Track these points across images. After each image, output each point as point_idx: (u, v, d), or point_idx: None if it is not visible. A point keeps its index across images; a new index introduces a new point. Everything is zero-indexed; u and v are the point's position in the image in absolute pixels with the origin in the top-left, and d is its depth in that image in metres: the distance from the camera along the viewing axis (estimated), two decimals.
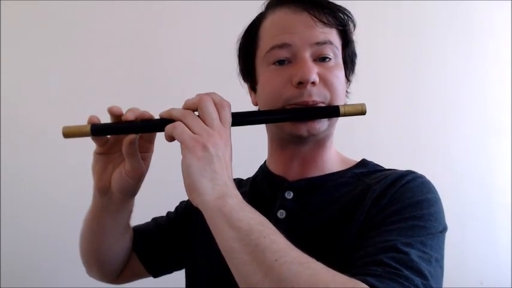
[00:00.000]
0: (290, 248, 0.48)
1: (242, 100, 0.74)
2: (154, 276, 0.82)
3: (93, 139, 0.62)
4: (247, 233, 0.48)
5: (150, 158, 0.66)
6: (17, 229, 1.42)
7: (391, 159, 0.75)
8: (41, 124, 1.44)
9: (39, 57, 1.48)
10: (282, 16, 0.66)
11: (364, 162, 0.72)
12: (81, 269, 0.78)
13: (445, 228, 0.59)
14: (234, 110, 0.60)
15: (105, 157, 0.64)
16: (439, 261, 0.54)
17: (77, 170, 0.85)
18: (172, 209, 0.85)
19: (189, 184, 0.52)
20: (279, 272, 0.44)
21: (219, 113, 0.56)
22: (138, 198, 0.69)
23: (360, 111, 0.63)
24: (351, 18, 0.69)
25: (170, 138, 0.55)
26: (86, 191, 0.69)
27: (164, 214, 0.85)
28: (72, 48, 1.49)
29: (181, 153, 0.53)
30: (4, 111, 1.46)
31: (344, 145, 0.76)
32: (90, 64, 1.49)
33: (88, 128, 0.59)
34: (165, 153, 0.72)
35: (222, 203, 0.50)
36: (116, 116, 0.60)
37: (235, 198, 0.52)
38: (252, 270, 0.46)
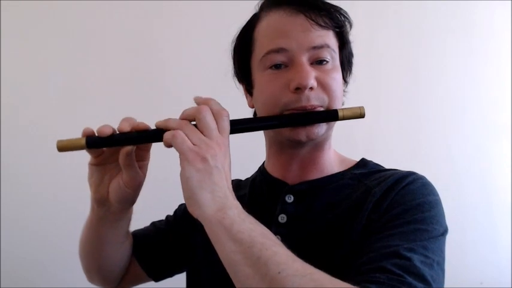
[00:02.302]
0: (293, 259, 0.47)
1: (242, 100, 0.74)
2: (156, 280, 0.81)
3: (88, 151, 0.60)
4: (249, 245, 0.47)
5: (147, 166, 0.65)
6: (17, 229, 1.42)
7: (390, 159, 0.75)
8: (40, 124, 1.44)
9: (39, 58, 1.48)
10: (277, 19, 0.64)
11: (363, 162, 0.72)
12: (81, 269, 0.78)
13: (446, 231, 0.58)
14: (232, 110, 0.59)
15: (101, 168, 0.63)
16: (441, 265, 0.54)
17: (77, 170, 0.85)
18: (171, 213, 0.85)
19: (189, 197, 0.52)
20: (282, 285, 0.44)
21: (217, 123, 0.56)
22: (137, 202, 0.68)
23: (358, 114, 0.62)
24: (347, 18, 0.67)
25: (169, 146, 0.55)
26: (86, 191, 0.68)
27: (163, 218, 0.85)
28: (72, 48, 1.49)
29: (180, 165, 0.53)
30: (4, 111, 1.46)
31: (344, 145, 0.76)
32: (90, 64, 1.49)
33: (83, 142, 0.57)
34: (163, 156, 0.71)
35: (222, 215, 0.50)
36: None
37: (236, 210, 0.51)
38: (256, 283, 0.46)
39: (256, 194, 0.74)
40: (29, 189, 1.45)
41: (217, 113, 0.56)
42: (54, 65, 1.49)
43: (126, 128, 0.58)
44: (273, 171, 0.72)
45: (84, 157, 0.65)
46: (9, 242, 1.41)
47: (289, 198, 0.67)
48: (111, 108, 0.62)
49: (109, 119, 0.62)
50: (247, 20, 0.71)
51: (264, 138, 0.75)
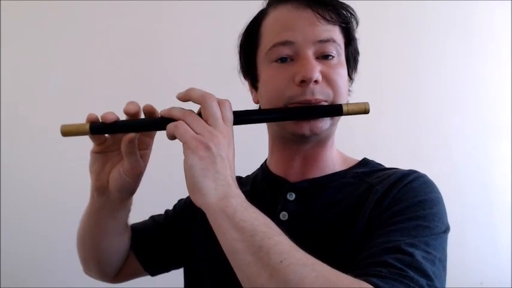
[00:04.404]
0: (295, 249, 0.47)
1: (243, 99, 0.74)
2: (152, 275, 0.81)
3: (91, 138, 0.61)
4: (251, 233, 0.47)
5: (149, 156, 0.66)
6: (17, 229, 1.42)
7: (391, 159, 0.75)
8: (41, 124, 1.44)
9: (39, 57, 1.48)
10: (284, 13, 0.65)
11: (365, 161, 0.72)
12: (81, 269, 0.78)
13: (447, 229, 0.58)
14: (235, 108, 0.59)
15: (103, 156, 0.64)
16: (443, 262, 0.54)
17: (77, 170, 0.85)
18: (170, 207, 0.85)
19: (192, 185, 0.52)
20: (284, 274, 0.44)
21: (221, 112, 0.56)
22: (136, 196, 0.68)
23: (363, 110, 0.62)
24: (354, 15, 0.68)
25: (172, 137, 0.55)
26: (85, 190, 0.68)
27: (162, 212, 0.85)
28: (72, 48, 1.49)
29: (184, 154, 0.53)
30: (4, 111, 1.46)
31: (344, 144, 0.76)
32: (90, 64, 1.50)
33: (87, 127, 0.58)
34: (163, 151, 0.71)
35: (225, 204, 0.50)
36: (134, 115, 0.59)
37: (239, 198, 0.51)
38: (257, 272, 0.45)
39: (257, 191, 0.74)
40: (29, 189, 1.45)
41: (221, 102, 0.56)
42: (55, 65, 1.49)
43: (132, 109, 0.58)
44: (275, 168, 0.72)
45: (84, 157, 0.65)
46: (9, 242, 1.41)
47: (291, 196, 0.67)
48: (113, 108, 0.62)
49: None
50: (254, 16, 0.71)
51: (267, 135, 0.75)
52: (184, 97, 0.57)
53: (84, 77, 1.49)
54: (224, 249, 0.50)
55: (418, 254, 0.51)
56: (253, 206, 0.52)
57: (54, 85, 1.47)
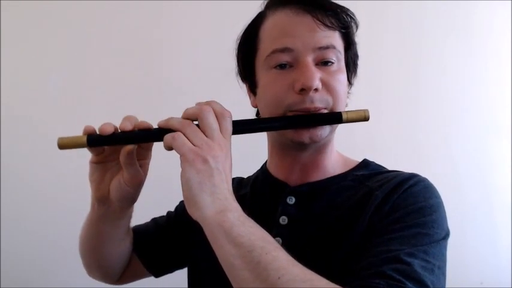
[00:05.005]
0: (293, 264, 0.47)
1: (243, 99, 0.74)
2: (156, 276, 0.81)
3: (89, 149, 0.60)
4: (249, 249, 0.47)
5: (148, 165, 0.65)
6: (17, 229, 1.42)
7: (391, 159, 0.75)
8: (40, 124, 1.44)
9: (39, 57, 1.48)
10: (283, 18, 0.64)
11: (365, 163, 0.71)
12: (81, 269, 0.78)
13: (447, 234, 0.58)
14: (235, 109, 0.59)
15: (102, 166, 0.63)
16: (442, 269, 0.54)
17: (77, 170, 0.85)
18: (172, 209, 0.85)
19: (189, 198, 0.52)
20: None
21: (219, 124, 0.55)
22: (138, 199, 0.68)
23: (362, 117, 0.62)
24: (353, 19, 0.67)
25: (169, 148, 0.54)
26: (85, 190, 0.68)
27: (164, 214, 0.85)
28: (72, 48, 1.49)
29: (181, 166, 0.52)
30: (4, 111, 1.46)
31: (344, 144, 0.76)
32: (90, 64, 1.49)
33: (84, 139, 0.57)
34: (164, 154, 0.71)
35: (222, 218, 0.49)
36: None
37: (236, 212, 0.51)
38: None
39: (257, 194, 0.74)
40: (29, 189, 1.45)
41: (220, 114, 0.56)
42: (54, 65, 1.48)
43: (128, 126, 0.57)
44: (275, 172, 0.72)
45: (84, 157, 0.65)
46: (9, 242, 1.41)
47: (291, 200, 0.67)
48: (113, 108, 0.62)
49: (111, 119, 0.61)
50: (252, 19, 0.70)
51: (266, 138, 0.74)
52: (185, 117, 0.56)
53: (84, 77, 1.49)
54: (221, 263, 0.49)
55: (417, 264, 0.50)
56: (250, 219, 0.51)
57: (54, 85, 1.47)
